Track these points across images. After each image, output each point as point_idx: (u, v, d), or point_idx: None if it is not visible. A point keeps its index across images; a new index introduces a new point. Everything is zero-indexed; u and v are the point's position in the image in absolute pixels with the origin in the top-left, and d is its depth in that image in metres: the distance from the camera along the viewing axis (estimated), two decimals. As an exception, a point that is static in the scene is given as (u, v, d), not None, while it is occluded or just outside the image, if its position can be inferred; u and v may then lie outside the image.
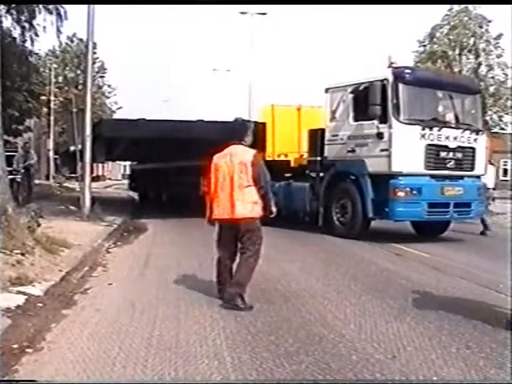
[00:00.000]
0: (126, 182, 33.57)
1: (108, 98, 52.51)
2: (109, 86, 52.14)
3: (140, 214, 15.62)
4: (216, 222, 5.45)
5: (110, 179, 54.38)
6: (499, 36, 36.07)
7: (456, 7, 36.43)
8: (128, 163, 30.66)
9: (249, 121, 5.22)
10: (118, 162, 51.73)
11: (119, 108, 52.13)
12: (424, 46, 38.17)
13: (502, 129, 36.31)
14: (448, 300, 5.70)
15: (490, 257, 8.92)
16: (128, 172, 31.95)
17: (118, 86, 70.77)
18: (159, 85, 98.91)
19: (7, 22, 16.96)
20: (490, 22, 36.46)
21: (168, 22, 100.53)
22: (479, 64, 36.82)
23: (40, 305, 4.92)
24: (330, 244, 10.26)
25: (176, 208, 16.52)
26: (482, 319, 4.84)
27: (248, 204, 5.20)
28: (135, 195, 24.66)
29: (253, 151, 5.33)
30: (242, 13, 29.17)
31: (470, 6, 35.84)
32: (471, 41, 36.82)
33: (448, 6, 36.30)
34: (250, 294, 5.77)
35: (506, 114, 35.90)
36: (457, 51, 37.19)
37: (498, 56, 36.69)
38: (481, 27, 36.75)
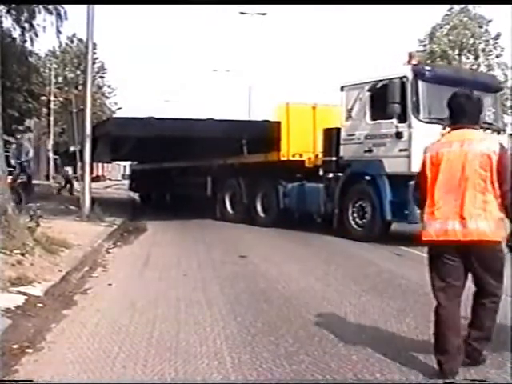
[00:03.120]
0: (126, 182, 33.51)
1: (108, 98, 52.50)
2: (109, 86, 52.17)
3: (141, 215, 15.60)
4: (430, 245, 3.55)
5: (109, 179, 54.26)
6: (498, 36, 36.11)
7: (456, 7, 36.47)
8: (128, 163, 30.49)
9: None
10: (117, 163, 51.67)
11: (119, 108, 52.12)
12: (424, 45, 38.19)
13: (502, 129, 36.29)
14: (448, 300, 5.69)
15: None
16: (128, 172, 31.82)
17: (118, 86, 70.78)
18: (159, 85, 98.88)
19: (7, 23, 16.91)
20: (489, 21, 36.51)
21: (168, 21, 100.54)
22: (479, 65, 36.83)
23: (40, 305, 4.92)
24: (331, 244, 10.26)
25: (180, 209, 16.44)
26: (481, 319, 4.82)
27: (492, 217, 3.38)
28: (135, 196, 24.62)
29: (497, 138, 3.80)
30: (242, 13, 29.23)
31: (470, 6, 35.87)
32: (471, 41, 36.84)
33: (448, 6, 36.37)
34: (250, 295, 5.78)
35: (506, 114, 35.87)
36: (456, 51, 37.21)
37: (498, 56, 36.72)
38: (480, 27, 36.79)
